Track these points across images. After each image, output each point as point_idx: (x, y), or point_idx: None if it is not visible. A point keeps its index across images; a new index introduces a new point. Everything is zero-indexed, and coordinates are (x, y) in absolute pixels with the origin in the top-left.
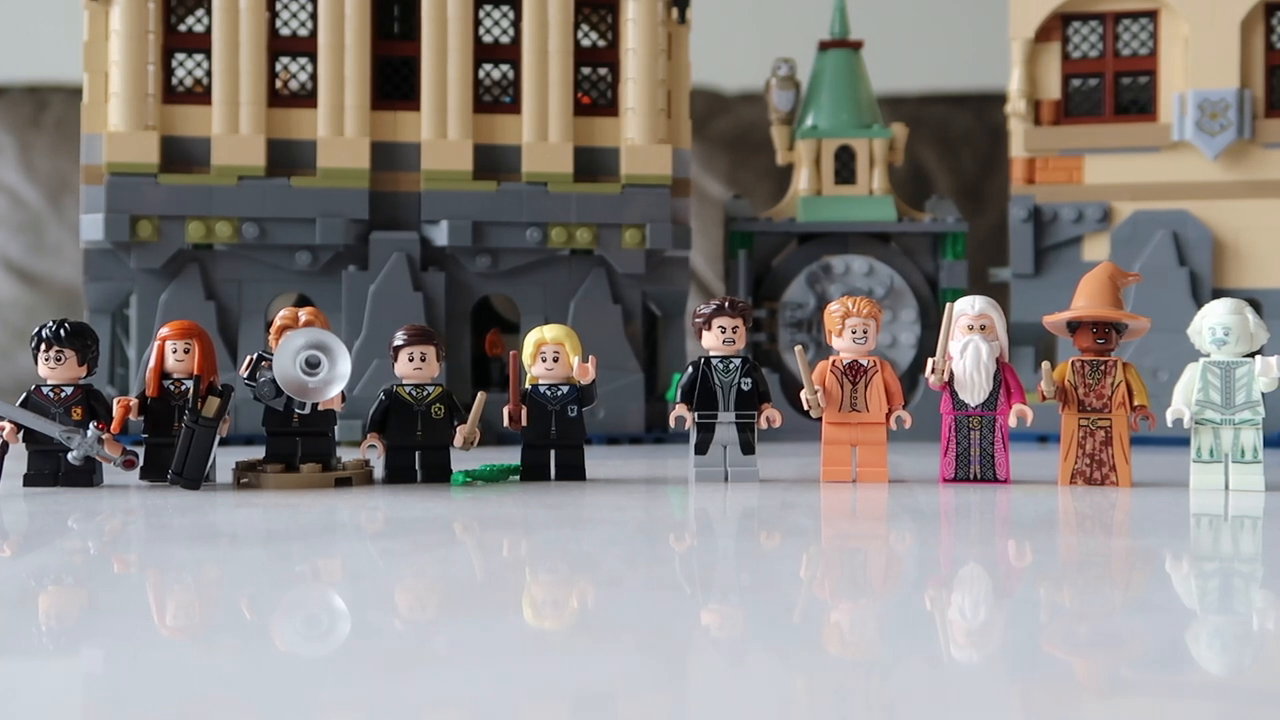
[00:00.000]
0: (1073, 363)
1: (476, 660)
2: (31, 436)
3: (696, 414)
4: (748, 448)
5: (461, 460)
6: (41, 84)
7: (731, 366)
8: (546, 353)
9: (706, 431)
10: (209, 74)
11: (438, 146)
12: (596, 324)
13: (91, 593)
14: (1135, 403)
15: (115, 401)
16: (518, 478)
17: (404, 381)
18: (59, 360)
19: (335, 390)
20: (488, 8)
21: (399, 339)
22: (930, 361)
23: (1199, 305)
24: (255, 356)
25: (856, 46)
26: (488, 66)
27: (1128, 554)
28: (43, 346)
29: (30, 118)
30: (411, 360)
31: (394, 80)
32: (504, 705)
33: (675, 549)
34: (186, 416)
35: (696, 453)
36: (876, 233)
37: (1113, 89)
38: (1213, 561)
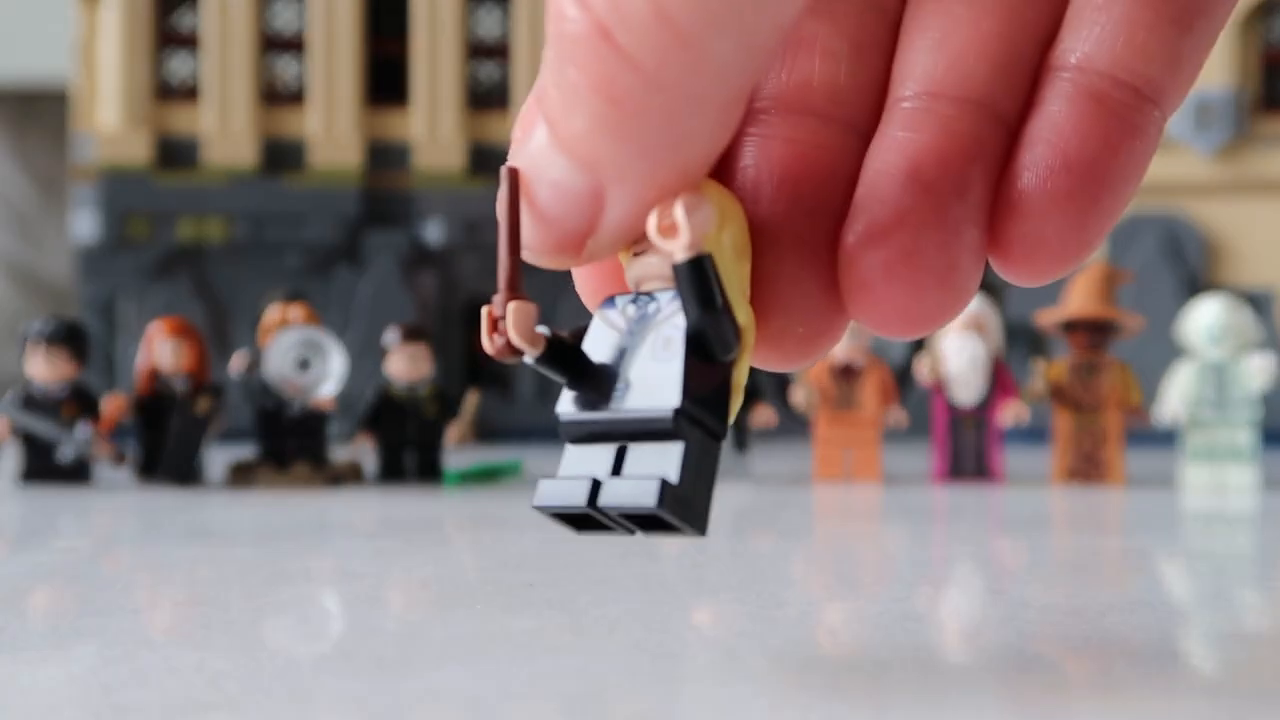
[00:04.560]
0: (1066, 361)
1: (468, 658)
2: (24, 434)
3: None
4: (741, 446)
5: (454, 458)
6: (33, 82)
7: None
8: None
9: None
10: (201, 72)
11: (430, 144)
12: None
13: (84, 591)
14: (1128, 401)
15: (107, 399)
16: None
17: (396, 380)
18: (51, 358)
19: (327, 388)
20: (480, 5)
21: (391, 337)
22: (924, 360)
23: (1192, 304)
24: (247, 354)
25: None
26: (481, 64)
27: (1121, 552)
28: (35, 344)
29: (22, 116)
30: (403, 358)
31: (387, 78)
32: (496, 703)
33: (667, 547)
34: (177, 414)
35: None
36: None
37: None
38: (1205, 560)
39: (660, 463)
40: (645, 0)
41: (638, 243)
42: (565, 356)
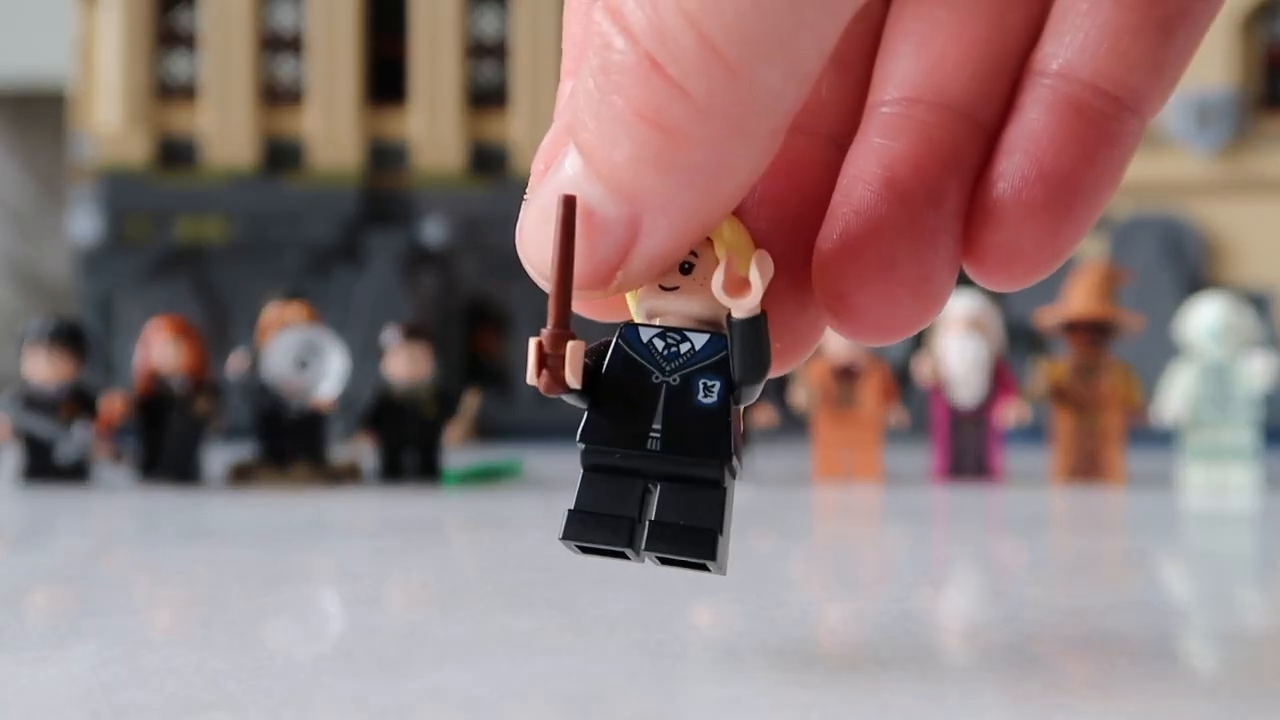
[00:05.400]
0: (1067, 361)
1: (468, 658)
2: (24, 434)
3: None
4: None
5: (454, 458)
6: (33, 82)
7: None
8: None
9: None
10: (201, 72)
11: (430, 144)
12: (591, 321)
13: (84, 591)
14: (1129, 401)
15: (106, 399)
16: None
17: (396, 379)
18: (51, 358)
19: (327, 388)
20: (480, 5)
21: (390, 337)
22: (924, 360)
23: (1192, 304)
24: (246, 354)
25: None
26: (481, 64)
27: (1121, 552)
28: (35, 344)
29: (22, 116)
30: (403, 358)
31: (387, 78)
32: (496, 703)
33: None
34: (177, 414)
35: None
36: None
37: None
38: (1205, 560)
39: (702, 512)
40: (690, 30)
41: (665, 276)
42: (590, 383)
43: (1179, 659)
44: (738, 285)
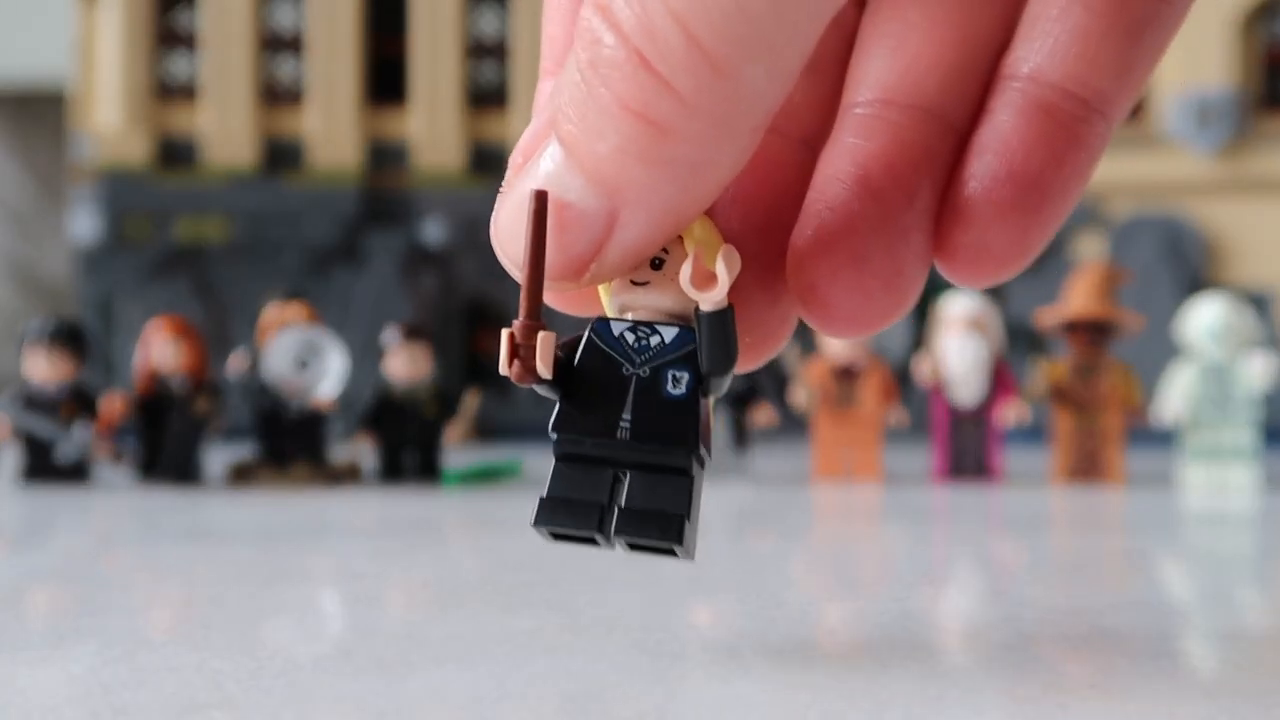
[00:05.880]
0: (1067, 361)
1: (468, 658)
2: (24, 434)
3: None
4: (741, 445)
5: (453, 458)
6: (33, 82)
7: None
8: None
9: None
10: (201, 72)
11: (430, 144)
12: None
13: (84, 591)
14: (1129, 401)
15: (106, 399)
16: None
17: (395, 379)
18: (51, 358)
19: (326, 387)
20: (480, 5)
21: (390, 337)
22: (924, 360)
23: (1192, 304)
24: (246, 354)
25: None
26: (481, 64)
27: (1121, 552)
28: (35, 344)
29: (22, 116)
30: (403, 358)
31: (387, 78)
32: (496, 703)
33: None
34: (176, 414)
35: None
36: None
37: None
38: (1205, 560)
39: (670, 499)
40: (677, 29)
41: (636, 271)
42: (562, 375)
43: (1179, 659)
44: (705, 279)
